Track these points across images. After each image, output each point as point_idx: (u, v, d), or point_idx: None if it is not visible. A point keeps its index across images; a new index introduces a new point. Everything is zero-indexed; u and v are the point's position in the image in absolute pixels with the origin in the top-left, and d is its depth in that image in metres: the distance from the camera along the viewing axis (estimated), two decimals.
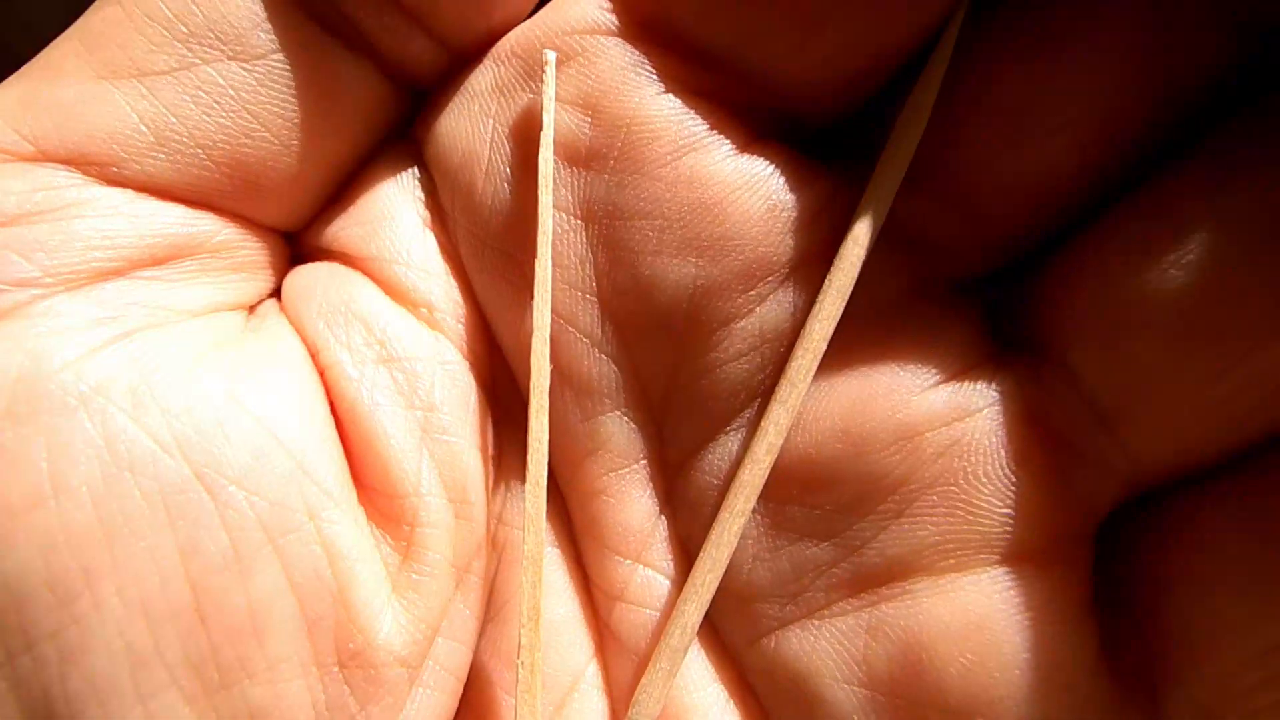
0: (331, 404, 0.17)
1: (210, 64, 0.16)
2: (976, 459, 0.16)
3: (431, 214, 0.18)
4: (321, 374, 0.17)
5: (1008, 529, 0.16)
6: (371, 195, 0.18)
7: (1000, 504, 0.16)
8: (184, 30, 0.16)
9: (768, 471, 0.16)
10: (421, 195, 0.18)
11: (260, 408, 0.16)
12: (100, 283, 0.16)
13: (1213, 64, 0.15)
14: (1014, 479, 0.16)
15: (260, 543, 0.15)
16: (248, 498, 0.15)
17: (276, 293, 0.18)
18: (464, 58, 0.18)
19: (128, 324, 0.16)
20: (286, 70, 0.17)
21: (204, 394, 0.15)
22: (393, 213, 0.18)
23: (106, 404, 0.15)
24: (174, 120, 0.16)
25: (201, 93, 0.16)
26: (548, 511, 0.18)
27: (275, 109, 0.17)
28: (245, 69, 0.16)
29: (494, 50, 0.18)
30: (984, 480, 0.16)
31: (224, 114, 0.16)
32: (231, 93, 0.16)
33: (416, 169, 0.18)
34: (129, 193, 0.16)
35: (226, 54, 0.16)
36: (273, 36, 0.16)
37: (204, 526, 0.15)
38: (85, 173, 0.16)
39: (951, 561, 0.16)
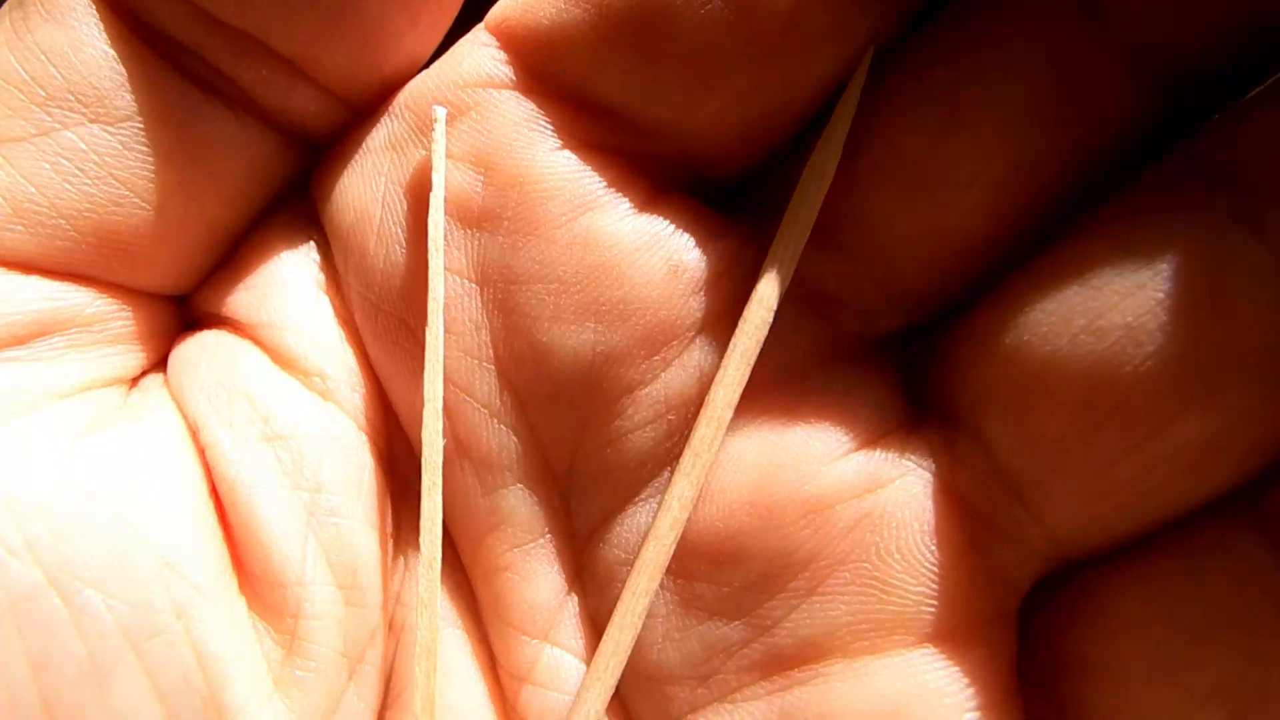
0: (212, 487, 0.16)
1: (71, 128, 0.15)
2: (889, 533, 0.15)
3: (326, 277, 0.17)
4: (201, 454, 0.16)
5: (924, 608, 0.15)
6: (263, 258, 0.17)
7: (914, 581, 0.15)
8: (41, 94, 0.15)
9: (673, 548, 0.16)
10: (316, 257, 0.17)
11: (124, 500, 0.15)
12: None
13: (1121, 116, 0.15)
14: (928, 555, 0.15)
15: (120, 650, 0.14)
16: (106, 601, 0.14)
17: (165, 361, 0.17)
18: (361, 110, 0.17)
19: None
20: (154, 131, 0.16)
21: (62, 489, 0.14)
22: (284, 276, 0.17)
23: None
24: (32, 190, 0.15)
25: (62, 160, 0.15)
26: (449, 590, 0.17)
27: (144, 173, 0.16)
28: (109, 132, 0.15)
29: (389, 103, 0.17)
30: (897, 556, 0.15)
31: (88, 181, 0.15)
32: (95, 158, 0.15)
33: (311, 229, 0.18)
34: None
35: (88, 117, 0.15)
36: (138, 97, 0.15)
37: (57, 636, 0.13)
38: None
39: (865, 643, 0.15)
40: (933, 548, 0.15)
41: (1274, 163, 0.14)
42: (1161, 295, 0.14)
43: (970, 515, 0.15)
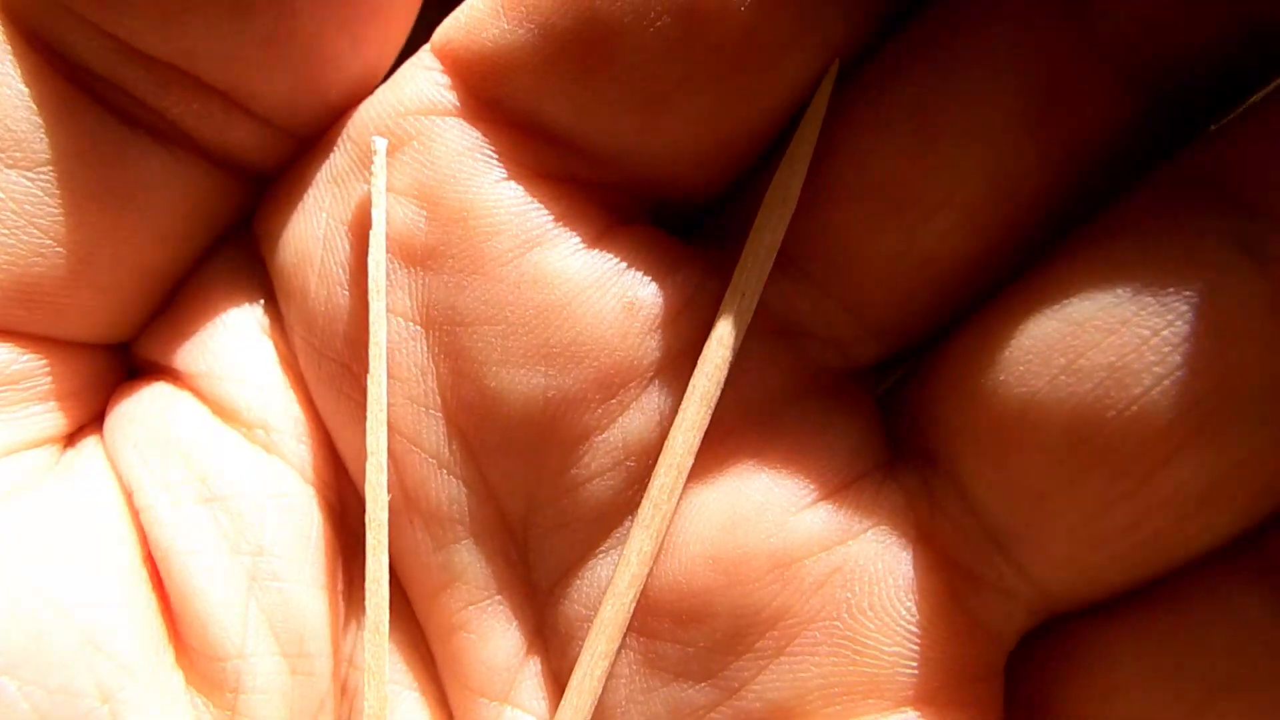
0: (147, 554, 0.15)
1: None
2: (861, 588, 0.14)
3: (270, 321, 0.16)
4: (136, 519, 0.15)
5: (901, 669, 0.14)
6: (203, 302, 0.16)
7: (889, 640, 0.14)
8: None
9: (633, 606, 0.15)
10: (260, 300, 0.16)
11: (46, 573, 0.14)
12: None
13: (1109, 128, 0.14)
14: (904, 611, 0.14)
15: None
16: (21, 688, 0.13)
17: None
18: (308, 140, 0.16)
19: None
20: (78, 174, 0.15)
21: None
22: (224, 321, 0.16)
23: None
24: None
25: None
26: (405, 650, 0.16)
27: (68, 219, 0.15)
28: (27, 178, 0.15)
29: (333, 133, 0.16)
30: (870, 613, 0.14)
31: (4, 231, 0.15)
32: (12, 206, 0.15)
33: (255, 269, 0.17)
34: None
35: (4, 162, 0.14)
36: (58, 137, 0.15)
37: None
38: None
39: (838, 708, 0.14)
40: (909, 603, 0.14)
41: (1274, 180, 0.12)
42: (1148, 332, 0.12)
43: (950, 566, 0.14)
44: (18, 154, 0.14)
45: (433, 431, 0.15)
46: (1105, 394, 0.13)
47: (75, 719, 0.13)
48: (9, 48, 0.15)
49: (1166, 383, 0.12)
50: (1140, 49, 0.13)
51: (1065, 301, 0.13)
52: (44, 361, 0.15)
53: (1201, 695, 0.13)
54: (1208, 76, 0.13)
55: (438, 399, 0.15)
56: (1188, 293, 0.12)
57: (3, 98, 0.14)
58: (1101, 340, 0.13)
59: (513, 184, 0.15)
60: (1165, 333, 0.12)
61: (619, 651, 0.15)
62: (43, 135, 0.15)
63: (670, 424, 0.15)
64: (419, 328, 0.15)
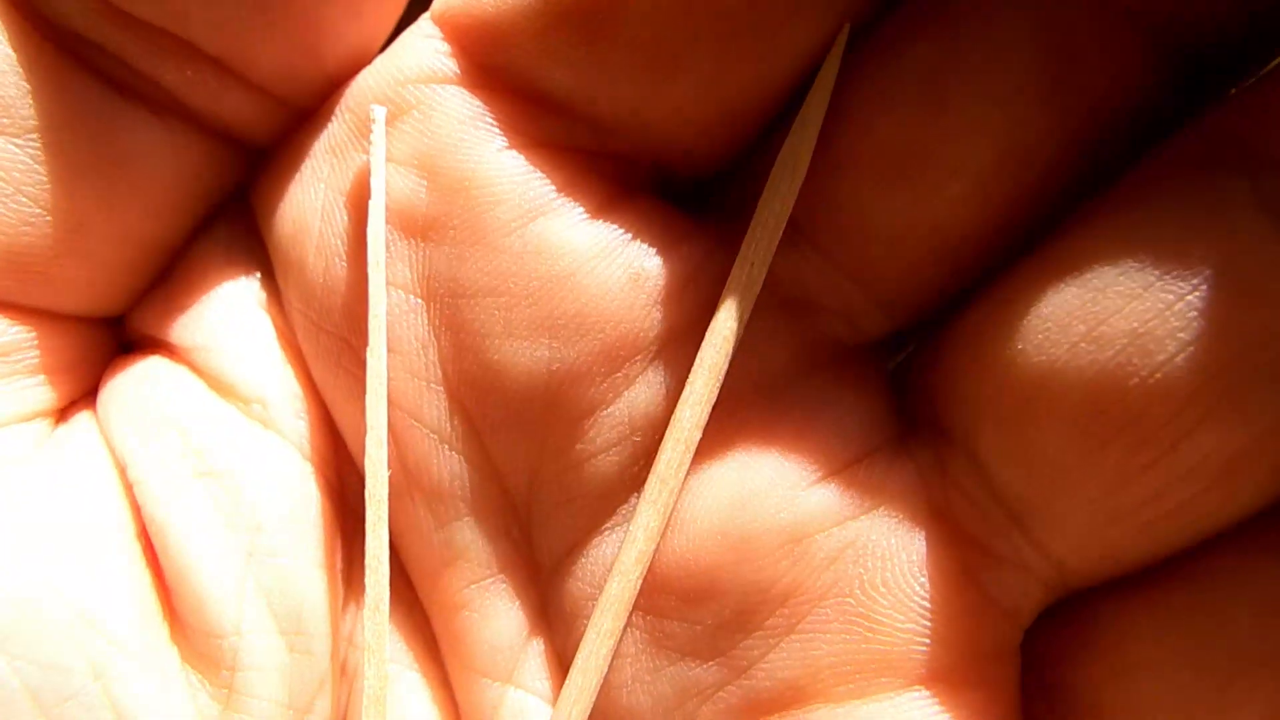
0: (142, 529, 0.15)
1: None
2: (874, 564, 0.14)
3: (267, 294, 0.16)
4: (130, 494, 0.15)
5: (914, 646, 0.13)
6: (199, 274, 0.16)
7: (903, 617, 0.14)
8: None
9: (639, 584, 0.14)
10: (257, 273, 0.16)
11: (37, 549, 0.13)
12: None
13: (1127, 91, 0.13)
14: (918, 587, 0.14)
15: (29, 716, 0.13)
16: (12, 663, 0.13)
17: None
18: (305, 110, 0.16)
19: None
20: (67, 142, 0.14)
21: None
22: (221, 294, 0.16)
23: None
24: None
25: None
26: (406, 630, 0.16)
27: (57, 188, 0.14)
28: (15, 145, 0.14)
29: (332, 103, 0.16)
30: (883, 589, 0.14)
31: None
32: (1, 174, 0.14)
33: (252, 241, 0.16)
34: None
35: None
36: (47, 104, 0.14)
37: None
38: None
39: (851, 686, 0.14)
40: (923, 579, 0.14)
41: None
42: (1172, 297, 0.12)
43: (964, 542, 0.14)
44: (5, 120, 0.14)
45: (434, 406, 0.15)
46: (1127, 361, 0.12)
47: (67, 695, 0.13)
48: None
49: (1191, 349, 0.12)
50: (1159, 10, 0.13)
51: (1085, 268, 0.13)
52: (34, 334, 0.15)
53: (1224, 673, 0.12)
54: (1228, 38, 0.13)
55: (439, 373, 0.15)
56: (1211, 257, 0.12)
57: None
58: (1124, 306, 0.12)
59: (515, 153, 0.15)
60: (1189, 298, 0.12)
61: (625, 630, 0.14)
62: (31, 102, 0.14)
63: (677, 398, 0.14)
64: (419, 300, 0.15)
